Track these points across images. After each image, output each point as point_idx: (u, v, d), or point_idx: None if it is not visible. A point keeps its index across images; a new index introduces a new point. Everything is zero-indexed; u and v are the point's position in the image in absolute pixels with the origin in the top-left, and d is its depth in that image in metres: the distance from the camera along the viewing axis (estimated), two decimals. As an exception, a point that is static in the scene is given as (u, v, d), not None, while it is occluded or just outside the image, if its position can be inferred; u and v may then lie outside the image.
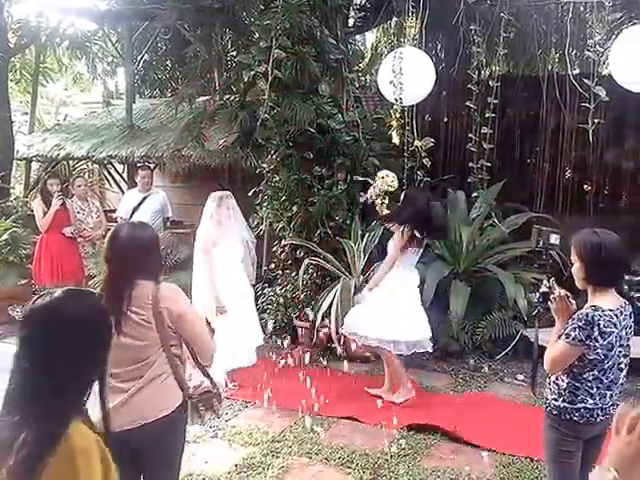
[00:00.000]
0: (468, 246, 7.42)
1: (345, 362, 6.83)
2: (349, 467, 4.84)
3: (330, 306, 6.82)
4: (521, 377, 6.62)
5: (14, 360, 1.86)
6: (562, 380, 3.26)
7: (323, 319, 6.98)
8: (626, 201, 8.19)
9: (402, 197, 6.01)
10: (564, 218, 7.83)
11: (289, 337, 7.61)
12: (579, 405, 3.21)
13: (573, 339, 3.09)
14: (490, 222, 7.51)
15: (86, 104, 13.63)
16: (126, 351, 3.01)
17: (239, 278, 6.25)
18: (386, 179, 6.31)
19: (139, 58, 10.46)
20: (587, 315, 3.07)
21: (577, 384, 3.21)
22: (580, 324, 3.08)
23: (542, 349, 3.38)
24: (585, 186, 7.86)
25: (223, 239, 6.09)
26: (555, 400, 3.31)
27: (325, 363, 7.06)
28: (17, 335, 1.89)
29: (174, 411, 3.12)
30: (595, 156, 7.87)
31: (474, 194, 7.43)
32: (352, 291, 6.89)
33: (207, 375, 3.35)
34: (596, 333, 3.06)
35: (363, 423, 5.61)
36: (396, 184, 6.35)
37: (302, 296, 7.52)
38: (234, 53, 8.05)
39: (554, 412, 3.31)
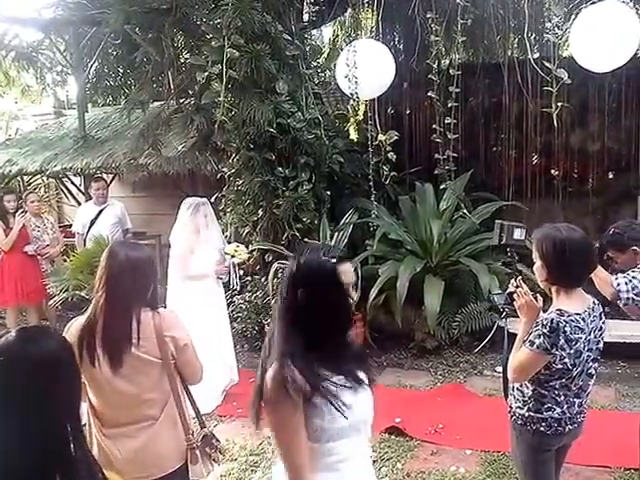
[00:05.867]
0: (439, 239, 7.29)
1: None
2: (332, 475, 4.67)
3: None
4: (500, 369, 6.48)
5: None
6: (527, 387, 3.03)
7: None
8: (594, 183, 8.15)
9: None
10: (534, 204, 7.78)
11: (261, 344, 7.39)
12: (545, 414, 2.97)
13: (537, 347, 2.83)
14: (460, 213, 7.39)
15: (37, 116, 13.27)
16: (125, 393, 2.76)
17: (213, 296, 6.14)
18: (240, 252, 6.22)
19: (89, 66, 10.14)
20: (552, 321, 2.81)
21: (543, 391, 2.97)
22: (545, 331, 2.81)
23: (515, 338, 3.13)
24: (553, 171, 7.80)
25: (200, 247, 5.97)
26: (520, 409, 3.07)
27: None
28: None
29: (182, 466, 2.91)
30: (561, 140, 7.84)
31: (442, 186, 7.30)
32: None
33: (197, 412, 3.11)
34: (562, 341, 2.80)
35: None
36: (246, 254, 6.35)
37: (273, 302, 7.32)
38: (187, 55, 7.80)
39: (519, 422, 3.08)
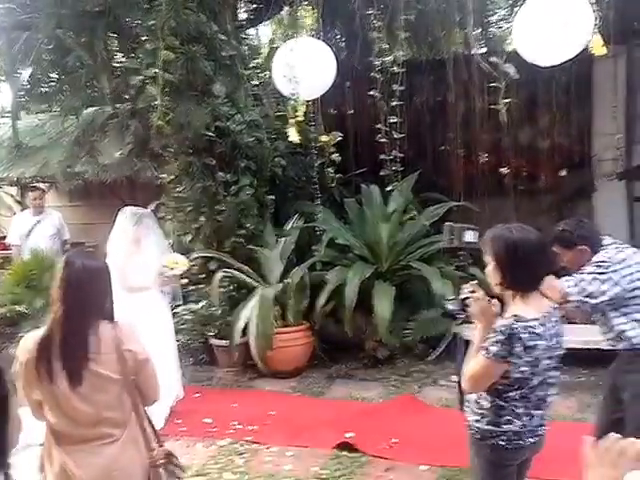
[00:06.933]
0: (389, 243, 7.11)
1: (268, 379, 6.52)
2: (282, 495, 4.51)
3: (249, 319, 6.47)
4: (456, 378, 6.29)
5: None
6: (484, 399, 2.83)
7: (243, 334, 6.55)
8: (546, 181, 8.05)
9: None
10: (484, 204, 7.63)
11: (207, 357, 7.18)
12: (504, 427, 2.79)
13: (494, 355, 2.65)
14: (410, 216, 7.21)
15: (-32, 125, 12.86)
16: (84, 411, 2.61)
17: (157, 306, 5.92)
18: (179, 264, 5.94)
19: (22, 72, 9.83)
20: (508, 327, 2.64)
21: (501, 403, 2.78)
22: (501, 338, 2.63)
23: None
24: (503, 169, 7.65)
25: (139, 257, 5.76)
26: (477, 422, 2.87)
27: (247, 382, 6.70)
28: None
29: None
30: (510, 137, 7.71)
31: (389, 187, 7.12)
32: (272, 300, 6.59)
33: (154, 430, 2.93)
34: (519, 348, 2.63)
35: (291, 446, 5.17)
36: (185, 265, 6.06)
37: (218, 312, 7.07)
38: (121, 58, 7.56)
39: (477, 436, 2.88)
